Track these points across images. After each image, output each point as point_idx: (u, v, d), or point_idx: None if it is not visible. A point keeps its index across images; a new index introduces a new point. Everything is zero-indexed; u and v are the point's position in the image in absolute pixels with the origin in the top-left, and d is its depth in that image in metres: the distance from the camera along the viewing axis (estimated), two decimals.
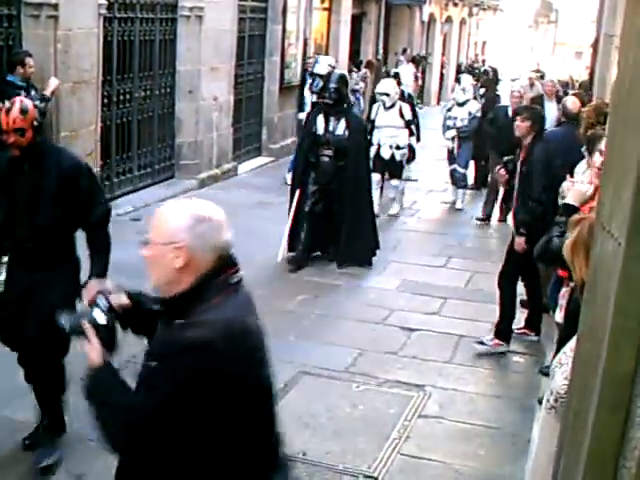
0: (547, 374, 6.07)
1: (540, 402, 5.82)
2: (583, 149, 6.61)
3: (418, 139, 12.96)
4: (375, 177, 11.27)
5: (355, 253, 9.18)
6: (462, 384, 6.40)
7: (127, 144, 11.51)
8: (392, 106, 11.71)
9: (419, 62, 23.79)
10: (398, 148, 11.77)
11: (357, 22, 21.97)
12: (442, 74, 30.15)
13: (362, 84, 18.52)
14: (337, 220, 9.27)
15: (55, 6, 8.93)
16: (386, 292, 8.50)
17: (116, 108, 10.99)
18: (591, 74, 18.58)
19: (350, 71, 19.28)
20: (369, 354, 6.85)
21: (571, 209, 4.42)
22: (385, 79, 13.89)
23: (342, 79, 9.54)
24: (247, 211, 10.84)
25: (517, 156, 7.39)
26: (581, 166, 6.59)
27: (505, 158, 7.99)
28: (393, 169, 11.99)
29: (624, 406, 1.96)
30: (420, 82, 24.55)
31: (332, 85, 9.22)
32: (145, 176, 12.00)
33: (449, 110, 13.16)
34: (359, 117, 9.84)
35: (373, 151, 11.53)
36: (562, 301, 5.08)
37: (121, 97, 11.10)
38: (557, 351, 4.90)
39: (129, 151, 11.57)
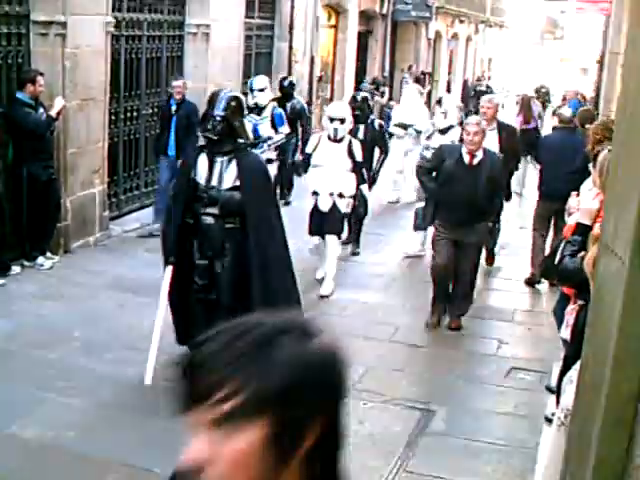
0: (553, 391, 6.07)
1: (546, 419, 5.82)
2: (590, 166, 6.61)
3: (372, 182, 10.61)
4: (312, 240, 9.04)
5: None
6: (468, 401, 6.40)
7: (134, 161, 11.55)
8: (340, 140, 8.84)
9: (423, 80, 23.78)
10: (341, 197, 8.79)
11: (363, 39, 22.08)
12: (449, 91, 30.18)
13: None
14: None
15: (63, 24, 8.99)
16: (392, 309, 8.49)
17: (123, 125, 11.04)
18: (596, 91, 18.65)
19: (372, 94, 18.59)
20: (375, 371, 6.85)
21: (584, 228, 4.42)
22: (338, 101, 12.40)
23: (234, 104, 6.45)
24: None
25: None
26: (588, 183, 6.59)
27: None
28: (332, 223, 8.84)
29: (628, 424, 1.98)
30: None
31: (218, 113, 6.29)
32: (152, 193, 12.02)
33: (428, 138, 10.59)
34: (257, 159, 6.85)
35: (312, 201, 8.93)
36: (568, 318, 5.08)
37: (128, 114, 11.15)
38: (564, 368, 4.91)
39: (136, 168, 11.62)
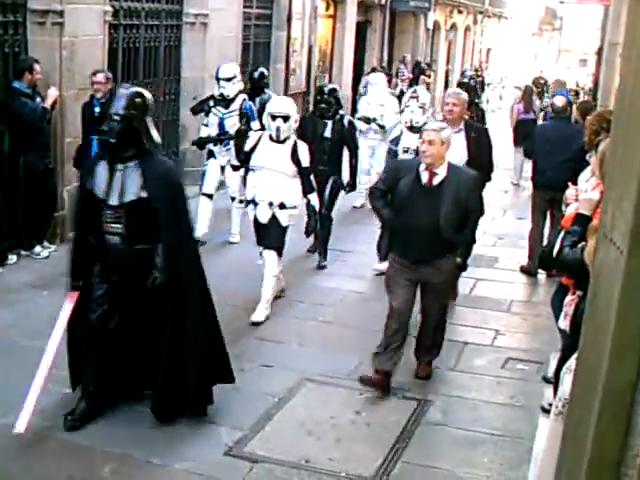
0: (550, 381, 6.09)
1: (543, 409, 5.83)
2: (588, 156, 6.61)
3: (352, 188, 9.83)
4: (259, 249, 7.89)
5: (177, 401, 5.55)
6: (465, 391, 6.40)
7: None
8: (284, 141, 7.63)
9: (423, 71, 23.65)
10: (283, 207, 7.66)
11: (362, 29, 22.01)
12: (447, 82, 30.15)
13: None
14: (148, 346, 5.60)
15: (61, 13, 8.96)
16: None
17: None
18: (595, 82, 18.65)
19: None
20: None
21: (583, 218, 4.43)
22: (281, 96, 10.32)
23: (139, 101, 5.44)
24: None
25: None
26: (585, 174, 6.58)
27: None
28: (271, 237, 7.70)
29: (625, 414, 1.98)
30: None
31: (116, 111, 5.31)
32: None
33: (395, 142, 8.43)
34: (165, 165, 5.66)
35: (251, 212, 7.86)
36: (567, 308, 5.08)
37: None
38: (562, 358, 4.91)
39: None
